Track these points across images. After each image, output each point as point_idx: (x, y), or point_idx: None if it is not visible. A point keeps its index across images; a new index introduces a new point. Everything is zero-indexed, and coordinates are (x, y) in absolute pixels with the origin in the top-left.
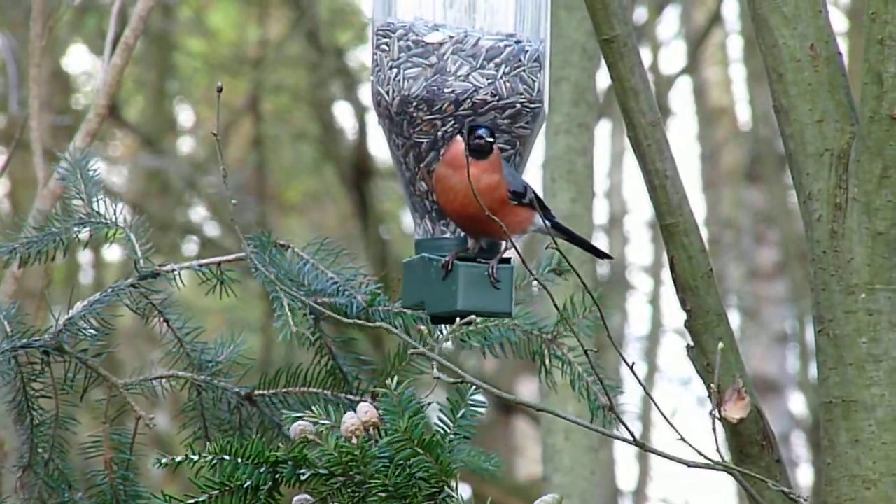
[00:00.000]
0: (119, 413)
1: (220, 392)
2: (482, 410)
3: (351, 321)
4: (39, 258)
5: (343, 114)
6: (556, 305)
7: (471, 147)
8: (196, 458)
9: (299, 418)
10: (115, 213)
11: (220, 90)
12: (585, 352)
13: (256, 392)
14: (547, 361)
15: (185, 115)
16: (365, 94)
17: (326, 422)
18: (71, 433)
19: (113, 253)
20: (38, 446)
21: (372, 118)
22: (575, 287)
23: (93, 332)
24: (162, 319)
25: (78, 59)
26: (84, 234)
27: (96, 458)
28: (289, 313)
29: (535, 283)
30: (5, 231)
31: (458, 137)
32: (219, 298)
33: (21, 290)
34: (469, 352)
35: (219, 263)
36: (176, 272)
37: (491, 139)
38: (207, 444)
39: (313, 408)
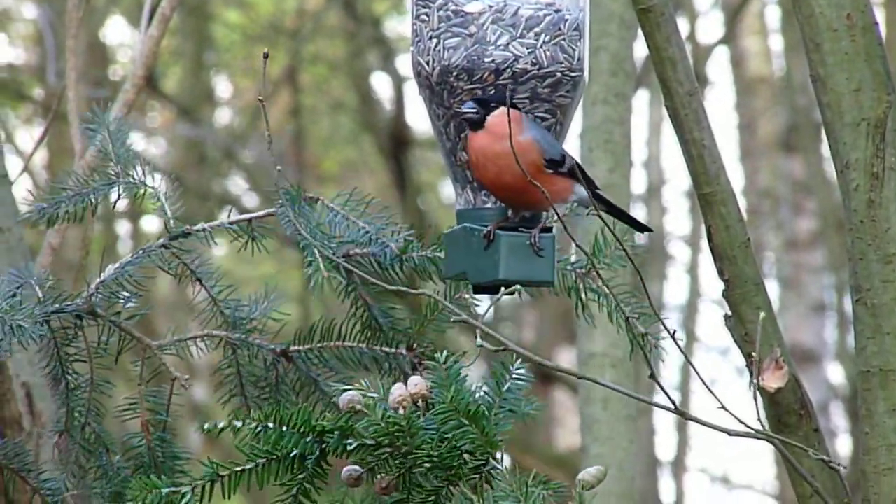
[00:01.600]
0: (154, 375)
1: (255, 349)
2: (527, 383)
3: (393, 289)
4: (67, 218)
5: (381, 84)
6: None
7: (465, 122)
8: (240, 424)
9: (348, 389)
10: (144, 174)
11: (266, 56)
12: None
13: (292, 348)
14: (583, 296)
15: (222, 87)
16: (402, 63)
17: (375, 394)
18: (106, 396)
19: (151, 224)
20: (74, 410)
21: (410, 88)
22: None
23: (126, 294)
24: (194, 279)
25: (115, 31)
26: (114, 195)
27: (132, 422)
28: (319, 259)
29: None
30: (40, 195)
31: None
32: (251, 255)
33: (58, 260)
34: (505, 321)
35: (249, 220)
36: (207, 231)
37: (471, 112)
38: (252, 411)
39: (361, 381)
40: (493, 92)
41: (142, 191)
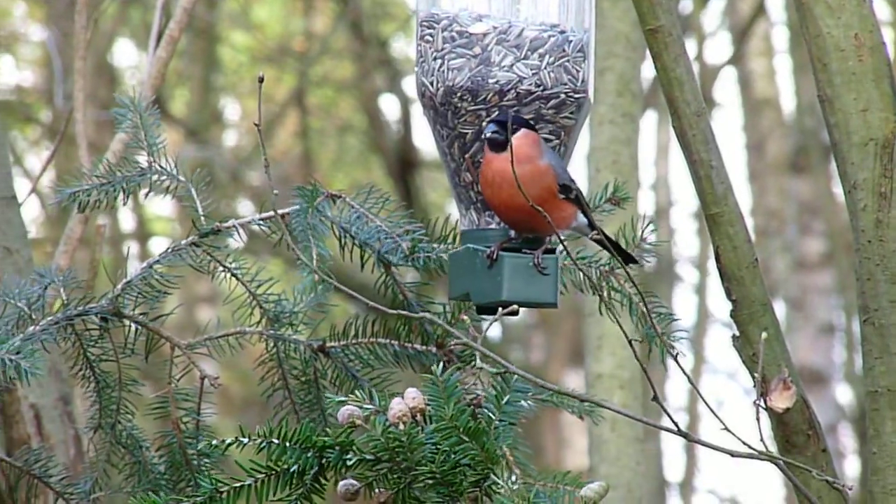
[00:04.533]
0: (184, 373)
1: (291, 345)
2: (527, 396)
3: (394, 312)
4: (99, 205)
5: (388, 105)
6: (607, 240)
7: (488, 143)
8: (245, 440)
9: (344, 402)
10: (175, 167)
11: (261, 80)
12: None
13: (328, 344)
14: (605, 294)
15: (230, 109)
16: (409, 85)
17: (370, 406)
18: (136, 395)
19: (160, 245)
20: (105, 408)
21: (417, 109)
22: (621, 219)
23: (155, 293)
24: (229, 275)
25: (123, 53)
26: (145, 186)
27: (164, 419)
28: (315, 258)
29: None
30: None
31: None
32: (287, 249)
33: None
34: (513, 343)
35: (283, 216)
36: (237, 228)
37: (495, 133)
38: (296, 406)
39: (357, 392)
40: (497, 112)
41: (173, 184)
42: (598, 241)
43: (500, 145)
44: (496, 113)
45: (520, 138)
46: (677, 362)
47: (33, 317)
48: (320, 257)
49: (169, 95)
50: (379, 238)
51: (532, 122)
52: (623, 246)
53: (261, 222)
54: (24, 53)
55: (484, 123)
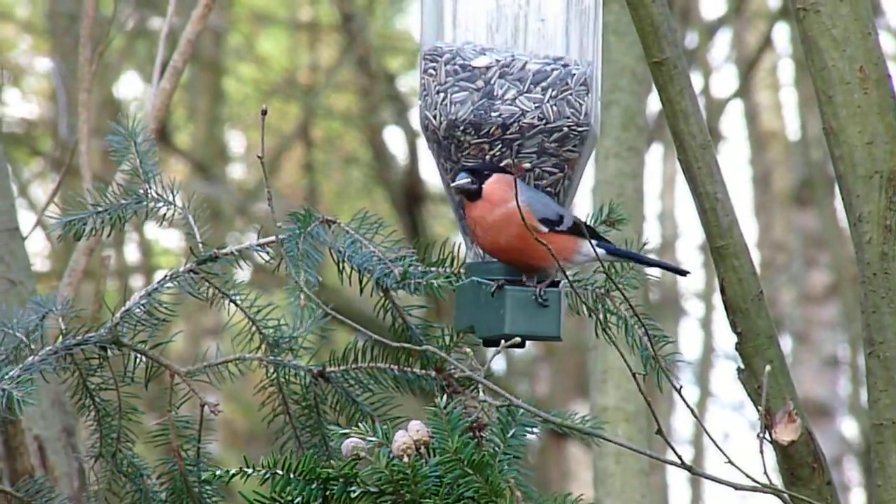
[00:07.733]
0: (184, 401)
1: (291, 371)
2: (534, 430)
3: (396, 344)
4: (95, 232)
5: (394, 138)
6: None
7: (459, 192)
8: (250, 471)
9: (348, 435)
10: (172, 194)
11: (264, 112)
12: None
13: (328, 369)
14: (601, 316)
15: (235, 142)
16: (416, 118)
17: (374, 439)
18: (136, 423)
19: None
20: (106, 437)
21: (424, 142)
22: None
23: (154, 321)
24: (228, 301)
25: (129, 86)
26: (142, 212)
27: (165, 447)
28: (303, 286)
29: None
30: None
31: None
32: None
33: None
34: (519, 376)
35: (281, 242)
36: (235, 254)
37: (466, 183)
38: (297, 431)
39: (360, 424)
40: (500, 146)
41: (170, 211)
42: (645, 264)
43: (474, 194)
44: (500, 145)
45: (492, 184)
46: (680, 394)
47: (32, 347)
48: (307, 282)
49: (175, 128)
50: (372, 264)
51: (528, 155)
52: (617, 269)
53: (258, 248)
54: (29, 85)
55: (456, 173)
